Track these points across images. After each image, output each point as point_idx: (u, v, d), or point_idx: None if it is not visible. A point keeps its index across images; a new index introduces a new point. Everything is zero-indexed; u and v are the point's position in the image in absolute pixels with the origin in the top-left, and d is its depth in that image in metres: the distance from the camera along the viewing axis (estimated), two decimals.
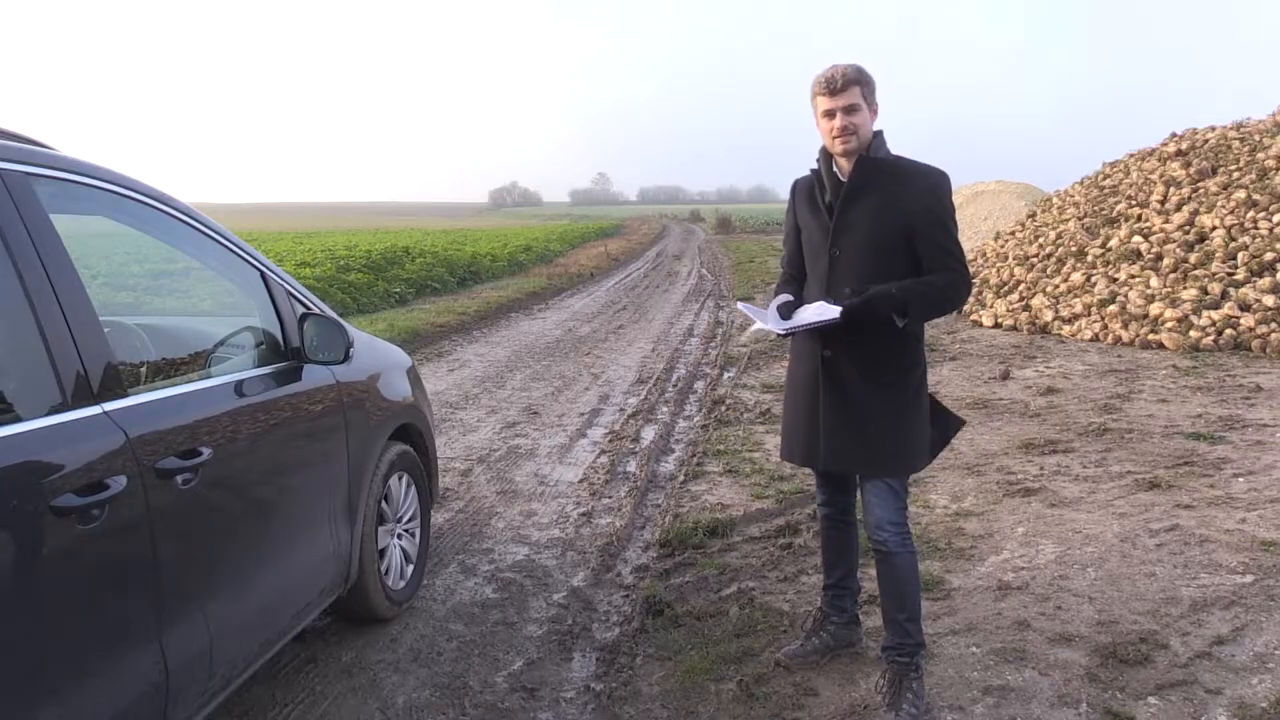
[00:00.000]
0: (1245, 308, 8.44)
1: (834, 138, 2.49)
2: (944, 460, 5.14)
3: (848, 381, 2.56)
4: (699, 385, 7.67)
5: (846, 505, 2.83)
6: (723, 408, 6.65)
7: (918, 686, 2.58)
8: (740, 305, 2.75)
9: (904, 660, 2.59)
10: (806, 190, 2.70)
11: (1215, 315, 8.42)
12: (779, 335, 2.60)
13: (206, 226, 2.44)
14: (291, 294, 2.73)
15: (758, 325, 2.66)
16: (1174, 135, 12.47)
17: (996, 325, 10.37)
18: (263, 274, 2.63)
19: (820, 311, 2.51)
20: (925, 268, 2.52)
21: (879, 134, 2.54)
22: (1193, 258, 9.39)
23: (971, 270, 13.79)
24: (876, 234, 2.50)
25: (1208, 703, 2.58)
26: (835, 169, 2.58)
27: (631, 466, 5.27)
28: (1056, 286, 10.41)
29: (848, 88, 2.45)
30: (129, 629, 1.84)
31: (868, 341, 2.53)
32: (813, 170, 2.68)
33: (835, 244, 2.56)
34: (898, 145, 2.58)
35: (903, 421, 2.57)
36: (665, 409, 6.77)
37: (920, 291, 2.45)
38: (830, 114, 2.48)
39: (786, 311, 2.63)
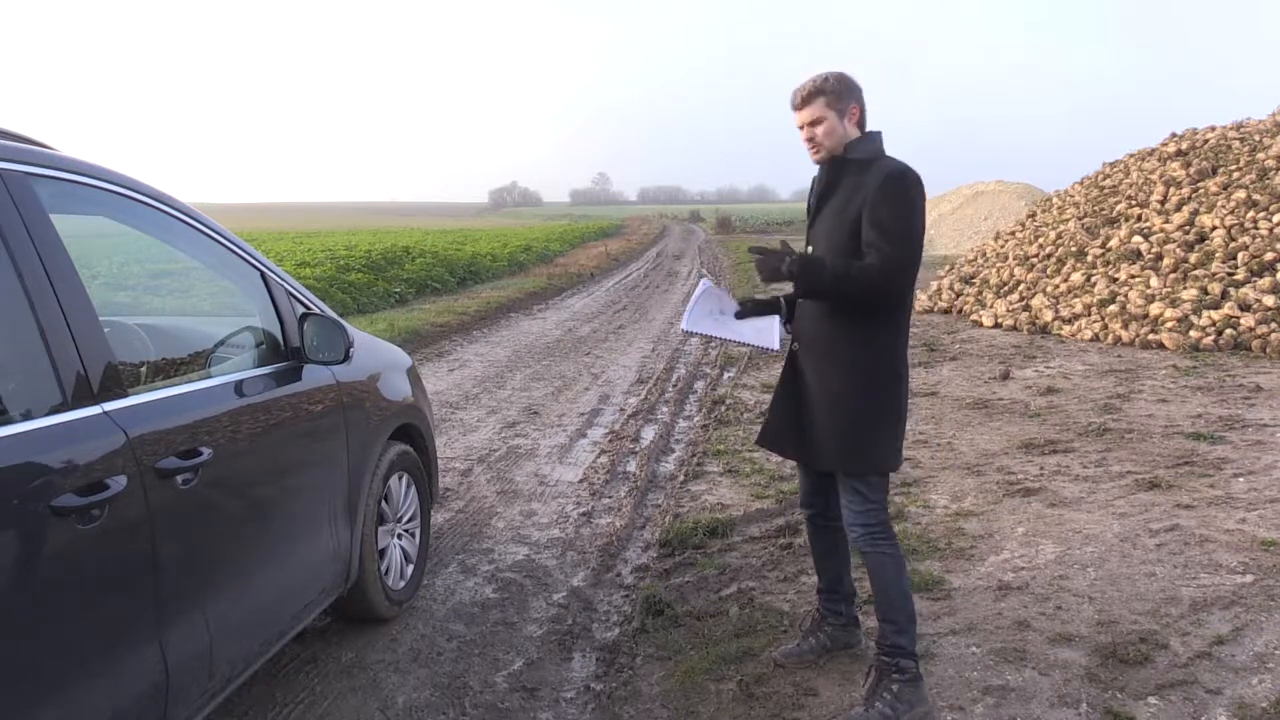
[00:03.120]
0: (1245, 308, 8.44)
1: (807, 149, 2.61)
2: (944, 460, 5.14)
3: (811, 375, 2.64)
4: (699, 385, 7.67)
5: (827, 506, 2.84)
6: (723, 408, 6.65)
7: (899, 690, 2.53)
8: (702, 281, 2.82)
9: (885, 659, 2.58)
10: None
11: (1215, 315, 8.42)
12: (682, 330, 2.71)
13: (206, 226, 2.44)
14: (291, 294, 2.73)
15: (694, 299, 2.74)
16: (1174, 135, 12.47)
17: (996, 325, 10.37)
18: (263, 274, 2.63)
19: (760, 330, 2.66)
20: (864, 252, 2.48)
21: (871, 134, 2.56)
22: (1193, 258, 9.39)
23: (971, 270, 13.74)
24: (837, 231, 2.54)
25: (1208, 703, 2.58)
26: (824, 173, 2.67)
27: (631, 466, 5.27)
28: (1056, 286, 10.42)
29: (808, 102, 2.54)
30: (129, 629, 1.84)
31: (826, 336, 2.59)
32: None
33: (809, 241, 2.69)
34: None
35: (847, 418, 2.56)
36: (665, 409, 6.77)
37: (828, 269, 2.44)
38: (800, 127, 2.60)
39: (750, 310, 2.74)
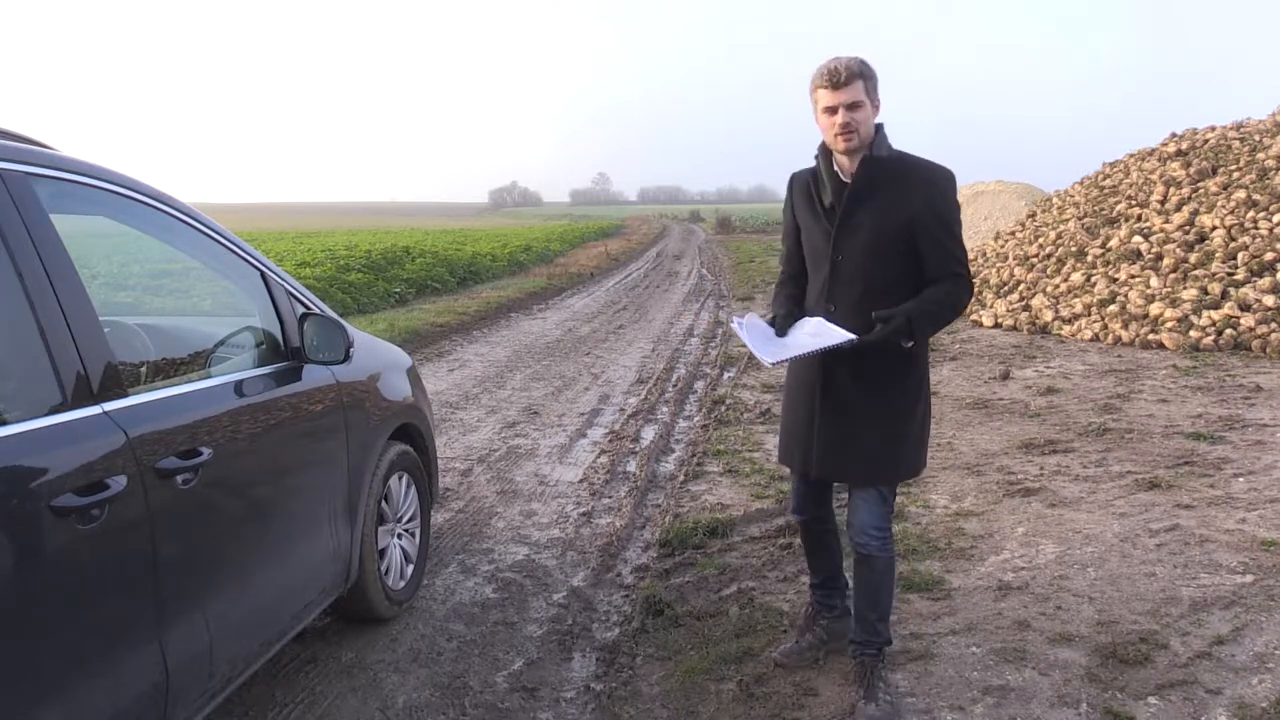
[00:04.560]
0: (1245, 308, 8.44)
1: (835, 135, 2.38)
2: (944, 460, 5.14)
3: (845, 389, 2.53)
4: (699, 385, 7.67)
5: (824, 514, 2.83)
6: (723, 408, 6.64)
7: (887, 675, 2.68)
8: (734, 324, 2.67)
9: (872, 654, 2.68)
10: (804, 188, 2.60)
11: (1215, 315, 8.42)
12: (770, 366, 2.52)
13: (206, 226, 2.44)
14: (291, 294, 2.73)
15: (747, 339, 2.59)
16: (1174, 135, 12.47)
17: (996, 325, 10.37)
18: (263, 274, 2.63)
19: (817, 334, 2.46)
20: (927, 271, 2.46)
21: (880, 128, 2.45)
22: (1193, 258, 9.39)
23: (971, 270, 13.83)
24: (880, 238, 2.43)
25: (1208, 703, 2.58)
26: (836, 167, 2.49)
27: (631, 466, 5.27)
28: (1056, 286, 10.41)
29: (851, 82, 2.33)
30: (129, 629, 1.84)
31: (891, 354, 2.47)
32: (810, 169, 2.60)
33: (838, 248, 2.49)
34: (897, 144, 2.54)
35: (899, 429, 2.55)
36: (665, 409, 6.77)
37: (928, 312, 2.41)
38: (832, 110, 2.36)
39: (784, 327, 2.59)
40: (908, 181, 2.42)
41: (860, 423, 2.53)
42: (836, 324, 2.45)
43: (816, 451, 2.60)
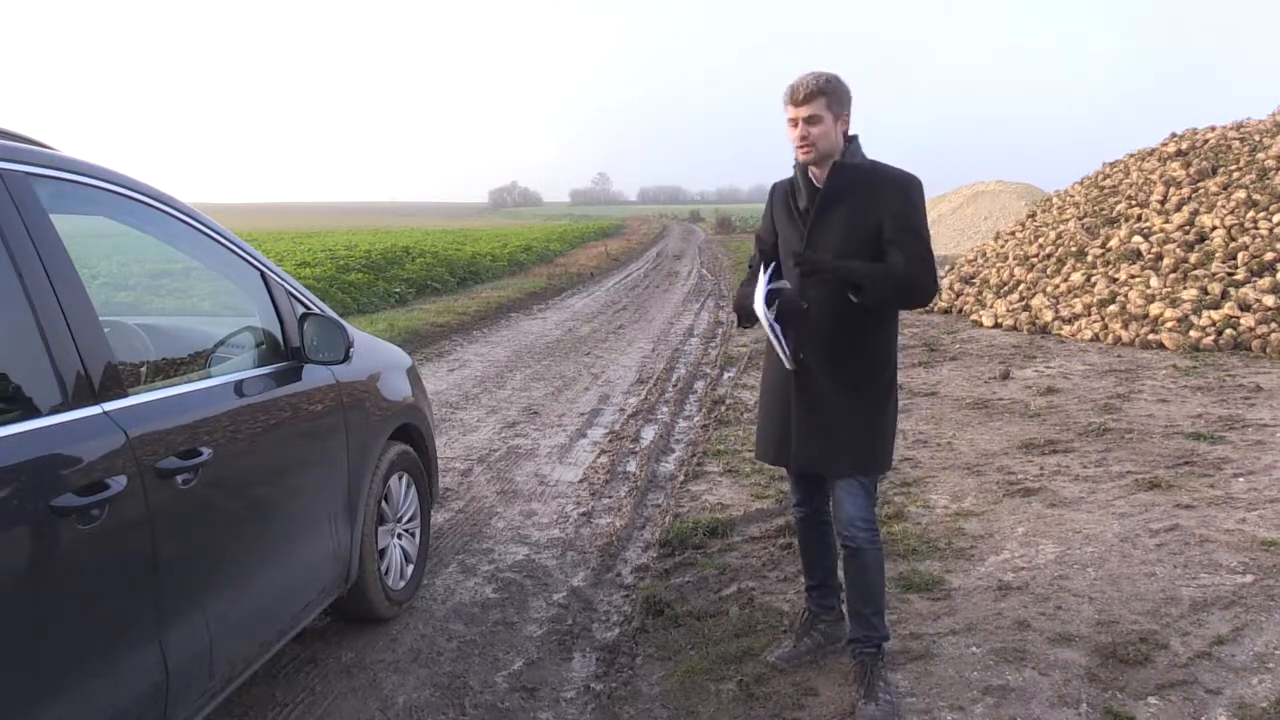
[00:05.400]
0: (1245, 308, 8.44)
1: (796, 146, 2.57)
2: (944, 460, 5.14)
3: (819, 382, 2.63)
4: (699, 385, 7.67)
5: (821, 505, 2.88)
6: (723, 408, 6.65)
7: (887, 674, 2.69)
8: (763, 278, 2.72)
9: (871, 651, 2.69)
10: (783, 196, 2.76)
11: (1215, 315, 8.42)
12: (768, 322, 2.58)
13: (206, 226, 2.44)
14: (291, 294, 2.73)
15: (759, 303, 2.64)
16: (1174, 135, 12.47)
17: (996, 325, 10.37)
18: (263, 274, 2.63)
19: (760, 297, 2.55)
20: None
21: (854, 139, 2.60)
22: (1193, 258, 9.39)
23: (971, 270, 13.76)
24: (851, 238, 2.56)
25: (1208, 703, 2.58)
26: (810, 175, 2.63)
27: (631, 466, 5.27)
28: (1056, 286, 10.42)
29: (810, 99, 2.50)
30: (129, 629, 1.84)
31: (839, 341, 2.59)
32: (789, 178, 2.74)
33: (811, 246, 2.61)
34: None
35: (873, 421, 2.64)
36: (665, 409, 6.77)
37: (880, 271, 2.51)
38: (793, 123, 2.54)
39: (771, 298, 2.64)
40: (878, 187, 2.56)
41: (837, 417, 2.62)
42: (811, 318, 2.58)
43: (794, 442, 2.68)
